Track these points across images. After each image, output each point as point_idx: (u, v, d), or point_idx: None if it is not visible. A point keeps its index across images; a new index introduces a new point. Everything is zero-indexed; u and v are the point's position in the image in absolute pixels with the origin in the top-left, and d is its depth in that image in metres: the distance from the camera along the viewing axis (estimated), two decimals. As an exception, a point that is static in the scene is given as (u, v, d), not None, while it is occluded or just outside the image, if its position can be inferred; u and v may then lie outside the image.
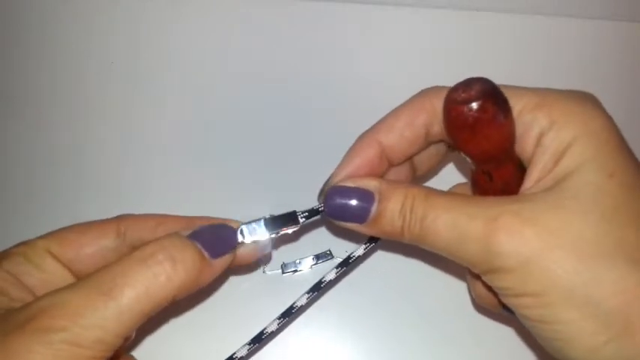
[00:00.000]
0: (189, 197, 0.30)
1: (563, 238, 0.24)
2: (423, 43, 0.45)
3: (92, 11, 0.45)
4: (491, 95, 0.25)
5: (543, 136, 0.27)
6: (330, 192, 0.30)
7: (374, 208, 0.28)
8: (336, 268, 0.34)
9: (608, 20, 0.46)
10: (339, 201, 0.29)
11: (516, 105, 0.27)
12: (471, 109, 0.24)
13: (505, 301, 0.27)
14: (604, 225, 0.24)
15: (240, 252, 0.30)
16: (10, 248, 0.29)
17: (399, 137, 0.30)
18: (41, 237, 0.29)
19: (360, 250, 0.33)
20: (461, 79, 0.26)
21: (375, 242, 0.33)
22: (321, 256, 0.39)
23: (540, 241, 0.25)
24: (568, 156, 0.26)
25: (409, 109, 0.30)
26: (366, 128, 0.32)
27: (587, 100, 0.28)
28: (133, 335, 0.31)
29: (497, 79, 0.26)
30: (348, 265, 0.33)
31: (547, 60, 0.45)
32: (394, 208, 0.28)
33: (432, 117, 0.30)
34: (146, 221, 0.31)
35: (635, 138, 0.43)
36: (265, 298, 0.38)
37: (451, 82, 0.26)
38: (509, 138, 0.27)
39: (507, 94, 0.26)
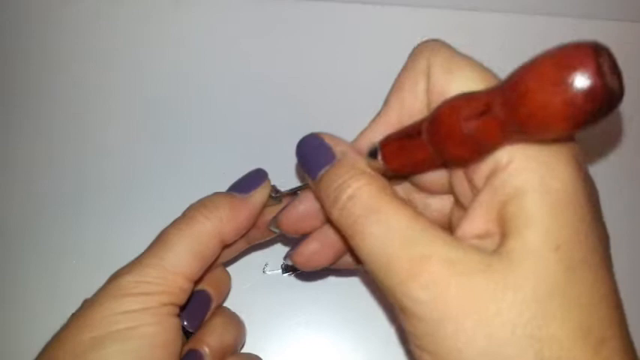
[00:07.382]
0: (191, 196, 0.31)
1: (483, 310, 0.21)
2: (423, 43, 0.45)
3: (92, 12, 0.45)
4: None
5: (494, 174, 0.22)
6: (309, 137, 0.29)
7: (324, 170, 0.27)
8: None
9: (608, 20, 0.46)
10: (310, 144, 0.29)
11: None
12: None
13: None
14: (532, 309, 0.21)
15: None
16: None
17: None
18: None
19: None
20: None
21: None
22: (322, 256, 0.39)
23: (459, 305, 0.21)
24: (515, 210, 0.22)
25: None
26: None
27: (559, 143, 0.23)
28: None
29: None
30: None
31: (547, 60, 0.45)
32: (338, 179, 0.26)
33: None
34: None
35: (635, 138, 0.44)
36: (265, 298, 0.38)
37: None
38: None
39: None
